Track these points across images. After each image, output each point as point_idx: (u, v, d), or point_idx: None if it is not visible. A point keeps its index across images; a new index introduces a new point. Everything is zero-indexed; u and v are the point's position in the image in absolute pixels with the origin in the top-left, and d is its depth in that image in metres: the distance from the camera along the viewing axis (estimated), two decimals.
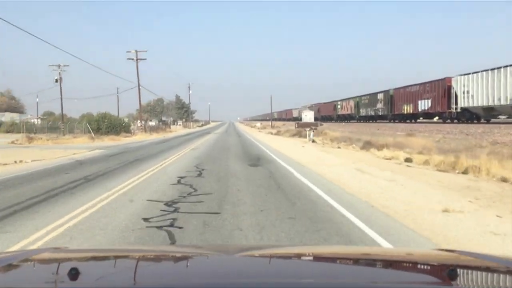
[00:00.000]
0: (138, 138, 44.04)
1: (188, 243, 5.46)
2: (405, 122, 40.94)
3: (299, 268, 1.89)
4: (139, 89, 53.14)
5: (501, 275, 1.70)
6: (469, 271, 1.77)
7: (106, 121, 47.21)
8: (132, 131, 50.85)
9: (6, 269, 1.69)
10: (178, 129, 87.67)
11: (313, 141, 29.76)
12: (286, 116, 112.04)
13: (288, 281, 1.53)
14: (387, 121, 45.54)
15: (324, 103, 74.73)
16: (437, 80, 34.20)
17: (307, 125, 52.96)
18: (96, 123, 46.29)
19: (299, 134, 38.64)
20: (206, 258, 2.08)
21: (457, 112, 31.66)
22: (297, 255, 2.30)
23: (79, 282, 1.44)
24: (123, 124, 49.84)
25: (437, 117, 36.33)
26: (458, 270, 1.58)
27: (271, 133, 52.30)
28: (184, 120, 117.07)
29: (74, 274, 1.43)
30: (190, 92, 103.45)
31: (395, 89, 42.92)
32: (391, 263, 1.97)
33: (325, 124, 52.08)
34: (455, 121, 31.91)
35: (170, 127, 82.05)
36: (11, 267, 1.73)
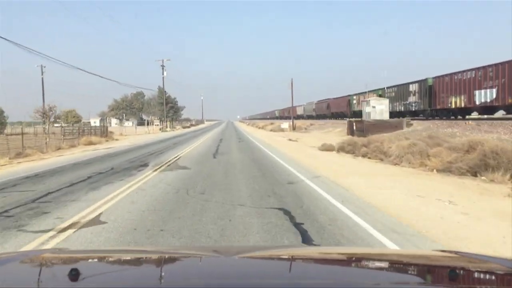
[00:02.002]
0: None
1: (189, 245, 5.32)
2: (449, 118, 32.28)
3: (299, 269, 1.86)
4: None
5: (501, 276, 1.70)
6: (470, 272, 1.77)
7: None
8: None
9: (7, 270, 1.69)
10: (136, 135, 51.46)
11: None
12: (289, 114, 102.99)
13: (288, 282, 1.53)
14: (424, 118, 36.90)
15: (335, 98, 65.96)
16: (508, 62, 25.47)
17: (384, 125, 28.46)
18: None
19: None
20: (205, 259, 2.02)
21: None
22: (297, 256, 2.24)
23: (79, 283, 1.43)
24: None
25: (503, 112, 27.70)
26: (458, 271, 1.63)
27: (336, 150, 20.70)
28: (160, 119, 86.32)
29: (74, 275, 1.43)
30: (165, 74, 74.35)
31: (436, 77, 34.17)
32: (391, 264, 1.96)
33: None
34: None
35: (106, 133, 42.75)
36: (11, 267, 1.73)
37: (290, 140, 33.83)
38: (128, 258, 2.14)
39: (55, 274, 1.71)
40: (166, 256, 2.16)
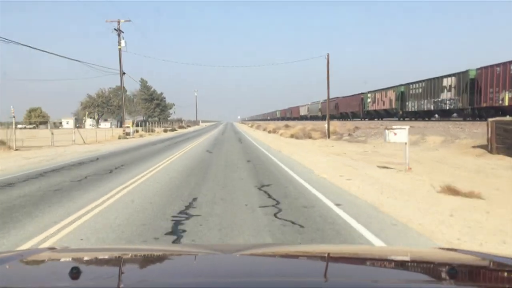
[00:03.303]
0: None
1: (189, 243, 5.34)
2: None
3: (299, 267, 1.84)
4: None
5: (501, 274, 1.67)
6: (469, 270, 1.74)
7: None
8: None
9: (6, 269, 1.65)
10: (49, 148, 25.91)
11: None
12: (291, 115, 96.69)
13: (288, 280, 1.52)
14: (461, 118, 30.59)
15: (345, 97, 59.59)
16: None
17: None
18: None
19: None
20: (206, 257, 1.99)
21: None
22: (297, 254, 2.25)
23: (80, 282, 1.42)
24: None
25: None
26: (458, 268, 1.59)
27: None
28: (143, 119, 62.27)
29: (74, 273, 1.42)
30: (123, 44, 42.78)
31: (481, 68, 27.81)
32: (391, 262, 1.94)
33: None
34: None
35: None
36: (11, 266, 1.69)
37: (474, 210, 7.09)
38: (128, 256, 2.11)
39: (55, 273, 1.66)
40: (167, 255, 2.16)
